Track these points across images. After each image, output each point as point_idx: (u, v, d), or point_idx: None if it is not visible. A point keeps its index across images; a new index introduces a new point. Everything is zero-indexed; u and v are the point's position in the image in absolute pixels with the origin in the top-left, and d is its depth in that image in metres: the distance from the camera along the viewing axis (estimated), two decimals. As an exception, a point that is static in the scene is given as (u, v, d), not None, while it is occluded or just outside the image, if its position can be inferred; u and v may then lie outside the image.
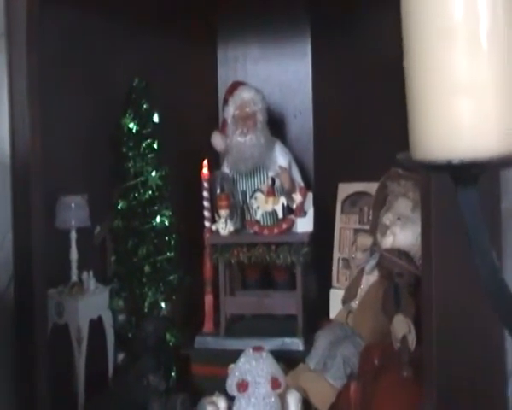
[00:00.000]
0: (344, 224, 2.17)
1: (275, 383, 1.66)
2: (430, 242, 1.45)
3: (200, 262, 2.12)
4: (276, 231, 2.04)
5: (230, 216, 2.07)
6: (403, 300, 1.70)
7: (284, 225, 2.04)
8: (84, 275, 1.89)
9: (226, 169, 2.19)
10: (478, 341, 1.55)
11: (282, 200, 2.06)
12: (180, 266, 2.06)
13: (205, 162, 2.11)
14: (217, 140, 2.20)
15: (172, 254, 2.04)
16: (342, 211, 2.18)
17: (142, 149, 2.01)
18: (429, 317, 1.46)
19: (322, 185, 2.33)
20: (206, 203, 2.11)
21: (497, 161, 0.67)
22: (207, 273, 2.10)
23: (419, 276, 1.64)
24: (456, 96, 0.67)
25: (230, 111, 2.14)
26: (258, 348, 1.72)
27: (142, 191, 2.01)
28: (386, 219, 1.87)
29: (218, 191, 2.11)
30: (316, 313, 2.10)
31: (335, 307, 2.05)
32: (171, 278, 2.04)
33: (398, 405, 1.58)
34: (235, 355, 1.73)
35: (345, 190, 2.18)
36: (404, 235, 1.83)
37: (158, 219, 2.02)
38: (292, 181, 2.11)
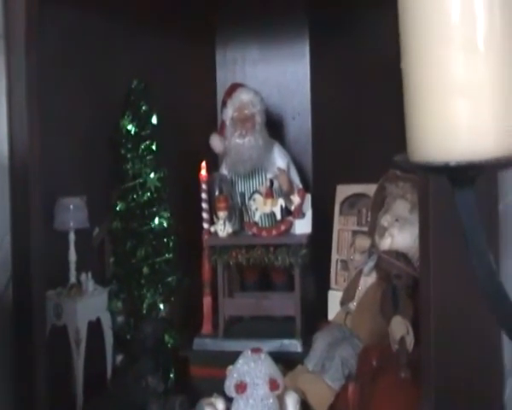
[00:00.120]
0: (342, 225, 2.18)
1: (273, 385, 1.66)
2: (428, 243, 1.45)
3: (199, 264, 2.12)
4: (274, 232, 2.04)
5: (229, 218, 2.07)
6: (401, 301, 1.71)
7: (282, 227, 2.04)
8: (83, 276, 1.89)
9: (225, 171, 2.19)
10: (475, 342, 1.55)
11: (281, 202, 2.06)
12: (178, 268, 2.06)
13: (203, 164, 2.11)
14: (215, 142, 2.20)
15: (171, 255, 2.04)
16: (340, 213, 2.18)
17: (140, 150, 2.01)
18: (427, 318, 1.46)
19: (320, 187, 2.34)
20: (204, 205, 2.11)
21: (494, 163, 0.67)
22: (206, 275, 2.11)
23: (417, 277, 1.64)
24: (453, 98, 0.67)
25: (229, 113, 2.14)
26: (256, 350, 1.72)
27: (140, 193, 2.01)
28: (385, 220, 1.87)
29: (217, 193, 2.11)
30: (314, 315, 2.10)
31: (333, 308, 2.05)
32: (169, 279, 2.04)
33: (396, 406, 1.58)
34: (233, 357, 1.73)
35: (343, 191, 2.18)
36: (402, 237, 1.84)
37: (156, 220, 2.02)
38: (290, 183, 2.11)
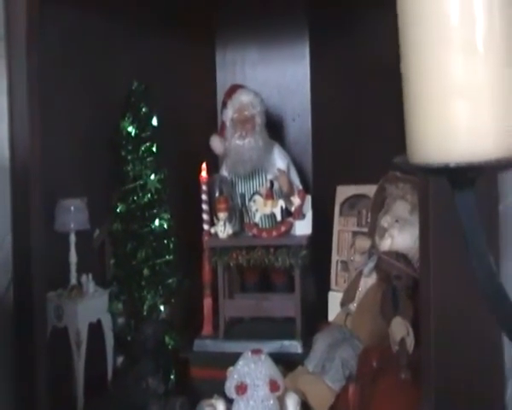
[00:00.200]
0: (342, 226, 2.18)
1: (273, 386, 1.67)
2: (428, 244, 1.46)
3: (199, 265, 2.12)
4: (274, 233, 2.05)
5: (229, 219, 2.07)
6: (401, 302, 1.71)
7: (283, 228, 2.04)
8: (84, 278, 1.89)
9: (225, 172, 2.19)
10: (476, 343, 1.55)
11: (281, 203, 2.06)
12: (179, 270, 2.06)
13: (203, 165, 2.11)
14: (215, 143, 2.20)
15: (171, 257, 2.04)
16: (341, 214, 2.19)
17: (140, 152, 2.01)
18: (427, 319, 1.46)
19: (320, 188, 2.34)
20: (204, 206, 2.11)
21: (494, 164, 0.67)
22: (206, 276, 2.11)
23: (417, 278, 1.65)
24: (452, 99, 0.67)
25: (229, 114, 2.14)
26: (256, 351, 1.72)
27: (140, 194, 2.01)
28: (385, 221, 1.87)
29: (217, 194, 2.11)
30: (314, 316, 2.10)
31: (334, 309, 2.05)
32: (170, 281, 2.04)
33: (396, 407, 1.58)
34: (233, 358, 1.74)
35: (343, 192, 2.18)
36: (402, 237, 1.84)
37: (157, 222, 2.02)
38: (290, 184, 2.11)
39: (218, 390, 1.75)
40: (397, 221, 1.86)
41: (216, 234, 2.07)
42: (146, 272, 2.01)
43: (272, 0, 2.41)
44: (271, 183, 2.10)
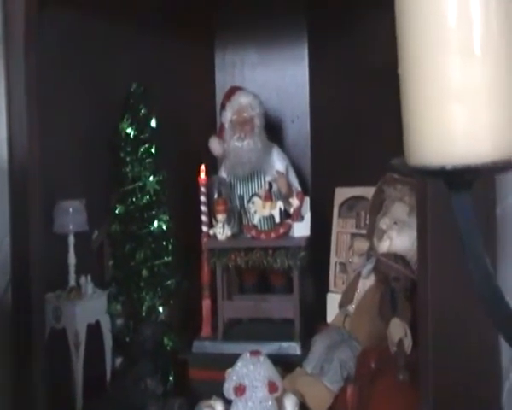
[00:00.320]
0: (341, 228, 2.18)
1: (272, 387, 1.67)
2: (426, 246, 1.46)
3: (198, 267, 2.12)
4: (273, 235, 2.05)
5: (228, 221, 2.08)
6: (399, 304, 1.71)
7: (281, 230, 2.05)
8: (82, 279, 1.89)
9: (224, 174, 2.19)
10: (473, 344, 1.56)
11: (280, 204, 2.06)
12: (178, 271, 2.06)
13: (202, 167, 2.11)
14: (214, 145, 2.20)
15: (170, 258, 2.04)
16: (339, 215, 2.19)
17: (139, 153, 2.02)
18: (425, 321, 1.46)
19: (319, 190, 2.34)
20: (203, 208, 2.11)
21: (491, 167, 0.67)
22: (205, 278, 2.11)
23: (415, 280, 1.65)
24: (449, 102, 0.68)
25: (228, 116, 2.15)
26: (255, 352, 1.72)
27: (139, 196, 2.01)
28: (383, 223, 1.88)
29: (216, 196, 2.12)
30: (313, 318, 2.11)
31: (332, 311, 2.05)
32: (168, 282, 2.04)
33: (394, 408, 1.58)
34: (232, 359, 1.74)
35: (342, 194, 2.19)
36: (400, 239, 1.84)
37: (155, 223, 2.02)
38: (289, 186, 2.12)
39: (216, 391, 1.75)
40: (395, 223, 1.86)
41: (215, 235, 2.07)
42: (145, 273, 2.01)
43: (271, 2, 2.42)
44: (270, 185, 2.11)
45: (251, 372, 1.68)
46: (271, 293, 2.20)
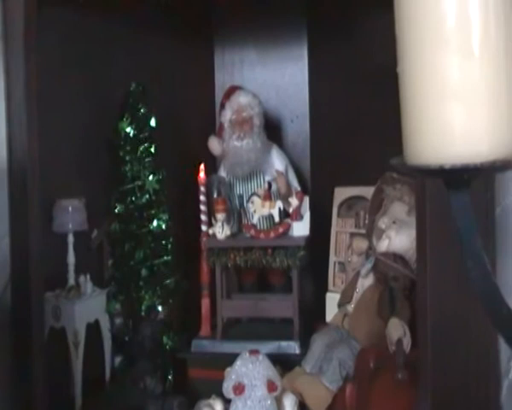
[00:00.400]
0: (340, 228, 2.18)
1: (271, 386, 1.67)
2: (425, 245, 1.46)
3: (197, 266, 2.12)
4: (272, 234, 2.05)
5: (227, 220, 2.08)
6: (398, 303, 1.71)
7: (281, 229, 2.04)
8: (81, 278, 1.89)
9: (223, 173, 2.19)
10: (472, 343, 1.56)
11: (279, 204, 2.06)
12: (177, 270, 2.06)
13: (201, 166, 2.11)
14: (213, 144, 2.20)
15: (169, 257, 2.04)
16: (338, 215, 2.19)
17: (139, 153, 2.02)
18: (424, 320, 1.46)
19: (318, 189, 2.34)
20: (202, 207, 2.11)
21: (489, 166, 0.67)
22: (204, 277, 2.11)
23: (414, 279, 1.65)
24: (448, 102, 0.68)
25: (227, 115, 2.15)
26: (254, 352, 1.73)
27: (139, 195, 2.01)
28: (382, 222, 1.88)
29: (215, 195, 2.12)
30: (312, 317, 2.10)
31: (331, 310, 2.05)
32: (167, 281, 2.04)
33: (393, 407, 1.58)
34: (231, 358, 1.74)
35: (341, 194, 2.19)
36: (399, 239, 1.84)
37: (155, 222, 2.02)
38: (288, 185, 2.12)
39: (215, 391, 1.76)
40: (394, 222, 1.86)
41: (214, 235, 2.07)
42: (144, 272, 2.01)
43: (271, 1, 2.42)
44: (269, 184, 2.11)
45: (250, 371, 1.68)
46: (270, 292, 2.19)
